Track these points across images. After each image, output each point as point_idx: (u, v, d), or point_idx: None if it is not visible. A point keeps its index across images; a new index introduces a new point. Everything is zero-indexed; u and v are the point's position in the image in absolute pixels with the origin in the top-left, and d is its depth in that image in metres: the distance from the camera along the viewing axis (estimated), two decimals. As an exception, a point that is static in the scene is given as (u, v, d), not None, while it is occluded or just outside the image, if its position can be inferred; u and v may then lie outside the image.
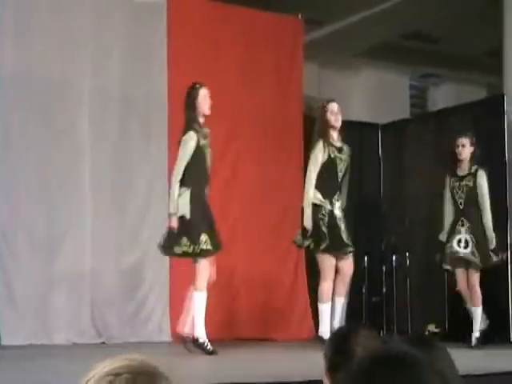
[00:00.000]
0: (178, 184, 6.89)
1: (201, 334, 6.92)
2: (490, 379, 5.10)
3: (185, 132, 6.99)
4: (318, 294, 7.49)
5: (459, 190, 8.45)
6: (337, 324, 7.37)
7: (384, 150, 11.05)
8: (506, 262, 8.91)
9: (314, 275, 10.00)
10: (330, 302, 7.50)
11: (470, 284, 8.34)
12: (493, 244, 8.26)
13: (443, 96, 13.84)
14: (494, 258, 8.28)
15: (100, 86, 8.48)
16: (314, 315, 9.29)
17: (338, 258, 7.51)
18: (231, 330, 8.81)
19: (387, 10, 11.01)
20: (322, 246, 7.37)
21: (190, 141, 6.92)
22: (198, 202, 6.92)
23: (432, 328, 9.94)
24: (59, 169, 8.23)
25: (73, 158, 8.32)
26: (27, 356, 6.91)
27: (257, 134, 9.33)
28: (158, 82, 8.76)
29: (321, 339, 7.03)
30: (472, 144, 8.48)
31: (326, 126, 7.63)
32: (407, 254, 10.23)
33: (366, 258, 10.03)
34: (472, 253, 8.24)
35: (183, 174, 6.90)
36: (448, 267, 8.54)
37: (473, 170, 8.45)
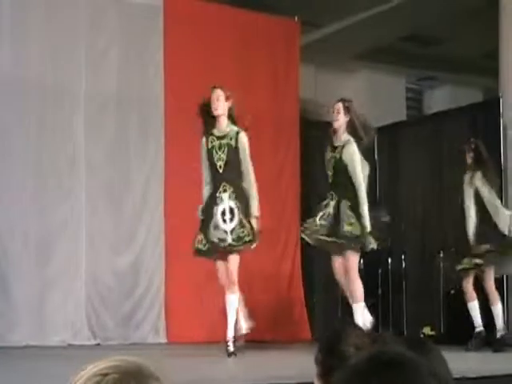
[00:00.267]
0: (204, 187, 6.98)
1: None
2: (484, 382, 5.10)
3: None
4: (361, 293, 7.36)
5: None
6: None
7: (380, 153, 11.05)
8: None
9: (309, 276, 10.01)
10: None
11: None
12: None
13: (439, 99, 13.84)
14: None
15: (96, 87, 8.49)
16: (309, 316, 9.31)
17: None
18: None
19: (384, 13, 11.02)
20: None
21: (201, 145, 6.96)
22: (208, 202, 6.90)
23: (427, 331, 9.94)
24: (55, 169, 8.23)
25: (68, 159, 8.32)
26: (22, 357, 6.89)
27: (253, 135, 9.31)
28: (154, 83, 8.77)
29: None
30: None
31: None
32: (403, 256, 10.24)
33: (361, 261, 10.01)
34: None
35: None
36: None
37: None
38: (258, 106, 9.37)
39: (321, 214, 7.24)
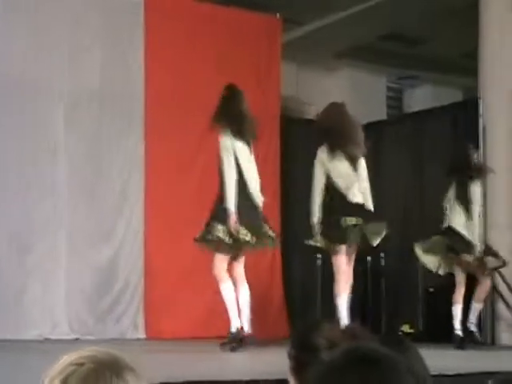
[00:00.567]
0: None
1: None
2: (461, 380, 5.14)
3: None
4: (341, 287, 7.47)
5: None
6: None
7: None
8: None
9: (289, 274, 10.03)
10: None
11: None
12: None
13: (419, 98, 13.89)
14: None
15: (77, 82, 8.47)
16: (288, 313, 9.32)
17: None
18: (208, 328, 8.79)
19: (365, 12, 11.04)
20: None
21: None
22: None
23: (406, 328, 9.98)
24: (35, 164, 8.20)
25: (48, 154, 8.29)
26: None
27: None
28: (135, 78, 8.75)
29: None
30: None
31: None
32: (382, 254, 10.27)
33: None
34: None
35: None
36: None
37: None
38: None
39: None
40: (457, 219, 8.50)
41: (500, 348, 9.04)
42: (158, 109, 8.77)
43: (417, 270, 9.98)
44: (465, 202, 8.49)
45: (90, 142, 8.50)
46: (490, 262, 8.49)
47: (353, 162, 7.28)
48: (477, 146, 9.51)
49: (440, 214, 10.28)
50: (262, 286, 9.34)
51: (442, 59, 12.91)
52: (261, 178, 9.44)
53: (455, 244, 8.44)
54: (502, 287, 9.30)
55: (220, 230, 6.89)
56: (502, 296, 9.38)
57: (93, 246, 8.46)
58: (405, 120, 12.08)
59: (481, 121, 9.86)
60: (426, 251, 8.51)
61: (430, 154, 10.74)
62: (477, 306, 8.54)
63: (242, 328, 6.90)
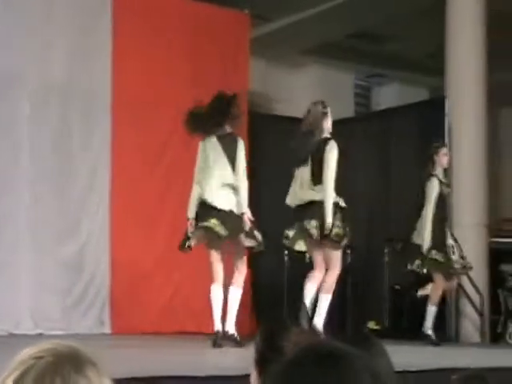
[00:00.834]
0: None
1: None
2: (426, 375, 5.18)
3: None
4: (331, 284, 7.44)
5: (447, 196, 8.57)
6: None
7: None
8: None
9: (257, 272, 10.03)
10: None
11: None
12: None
13: (387, 96, 13.98)
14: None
15: (42, 75, 8.40)
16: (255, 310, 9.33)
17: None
18: (172, 323, 8.79)
19: (334, 9, 11.08)
20: (345, 241, 7.39)
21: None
22: None
23: (372, 325, 10.04)
24: None
25: (12, 147, 8.22)
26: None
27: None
28: (101, 72, 8.70)
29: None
30: None
31: (329, 129, 7.64)
32: (348, 251, 10.31)
33: (307, 255, 10.07)
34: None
35: None
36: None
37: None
38: (207, 99, 9.35)
39: None
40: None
41: (463, 345, 9.13)
42: (124, 104, 8.73)
43: (383, 268, 10.05)
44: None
45: (55, 138, 8.44)
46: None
47: None
48: (443, 144, 9.58)
49: (406, 211, 10.36)
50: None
51: (409, 58, 13.00)
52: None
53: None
54: (468, 287, 9.40)
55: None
56: (468, 297, 9.47)
57: (58, 240, 8.41)
58: (372, 118, 12.15)
59: (447, 119, 9.94)
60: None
61: (397, 151, 10.81)
62: (433, 309, 8.53)
63: (222, 331, 6.92)
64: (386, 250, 9.96)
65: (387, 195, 10.77)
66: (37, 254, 8.22)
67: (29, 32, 8.34)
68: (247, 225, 6.93)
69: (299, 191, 7.43)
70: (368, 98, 14.26)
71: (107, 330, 8.48)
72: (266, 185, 10.03)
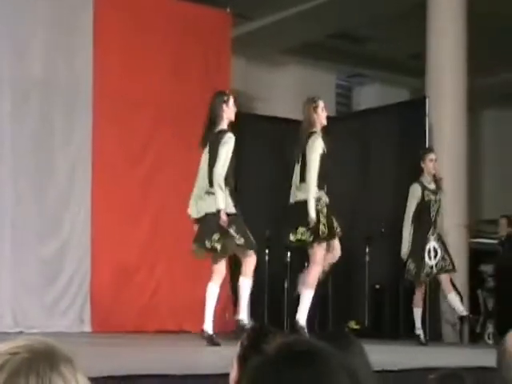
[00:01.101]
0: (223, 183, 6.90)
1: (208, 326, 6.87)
2: (405, 375, 5.20)
3: (223, 134, 6.91)
4: (313, 280, 7.41)
5: (435, 203, 8.52)
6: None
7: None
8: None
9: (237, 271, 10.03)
10: None
11: None
12: None
13: (368, 96, 14.02)
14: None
15: (22, 70, 8.34)
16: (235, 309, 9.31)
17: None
18: (153, 321, 8.78)
19: (315, 9, 11.10)
20: (323, 236, 7.38)
21: (233, 140, 6.94)
22: (234, 197, 7.01)
23: (352, 324, 10.06)
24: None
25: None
26: None
27: (183, 126, 9.30)
28: (83, 69, 8.66)
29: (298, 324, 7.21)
30: None
31: (317, 123, 7.65)
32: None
33: (288, 254, 10.10)
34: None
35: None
36: None
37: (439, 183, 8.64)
38: (189, 97, 9.36)
39: None
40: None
41: (443, 344, 9.17)
42: (106, 101, 8.71)
43: (363, 267, 10.07)
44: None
45: (36, 135, 8.39)
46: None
47: None
48: (424, 145, 9.62)
49: (385, 210, 10.41)
50: (208, 281, 9.33)
51: (390, 59, 13.05)
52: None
53: None
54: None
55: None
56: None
57: (39, 238, 8.37)
58: (353, 117, 12.17)
59: (427, 120, 9.98)
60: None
61: (377, 151, 10.85)
62: (419, 311, 8.55)
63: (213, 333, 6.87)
64: (366, 250, 9.98)
65: (367, 194, 10.80)
66: (17, 251, 8.18)
67: (9, 28, 8.30)
68: (223, 222, 6.83)
69: (292, 190, 7.53)
70: (349, 98, 14.31)
71: (87, 328, 8.45)
72: (248, 183, 10.03)
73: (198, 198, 7.05)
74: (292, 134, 11.24)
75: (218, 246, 6.82)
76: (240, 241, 6.87)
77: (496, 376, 2.19)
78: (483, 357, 5.95)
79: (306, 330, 7.20)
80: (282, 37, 11.91)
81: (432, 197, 8.50)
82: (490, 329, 10.74)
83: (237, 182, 7.27)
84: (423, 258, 8.35)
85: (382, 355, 5.63)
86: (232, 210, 6.92)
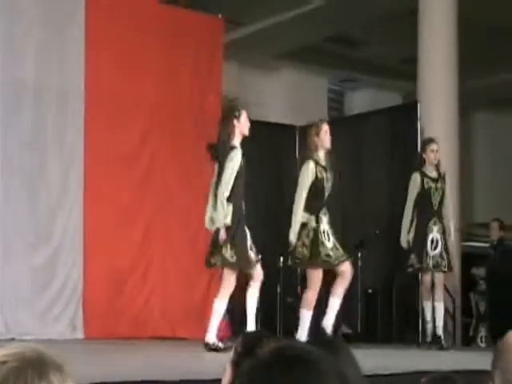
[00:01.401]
0: (226, 198, 6.96)
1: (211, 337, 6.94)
2: (395, 379, 5.21)
3: (229, 149, 6.96)
4: (309, 301, 7.62)
5: (435, 191, 8.55)
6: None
7: (301, 152, 11.12)
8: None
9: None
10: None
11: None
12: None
13: (360, 101, 14.05)
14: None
15: (14, 71, 8.30)
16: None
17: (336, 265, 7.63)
18: (145, 328, 8.77)
19: (308, 14, 11.13)
20: (323, 259, 7.50)
21: (238, 157, 7.00)
22: (237, 214, 7.01)
23: (345, 329, 10.07)
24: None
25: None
26: None
27: (175, 131, 9.31)
28: (75, 68, 8.63)
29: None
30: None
31: (318, 146, 7.72)
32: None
33: (281, 259, 10.10)
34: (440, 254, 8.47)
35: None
36: None
37: (442, 173, 8.65)
38: (181, 102, 9.37)
39: None
40: None
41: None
42: (98, 103, 8.69)
43: (356, 272, 10.07)
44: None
45: (28, 137, 8.35)
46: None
47: None
48: (416, 149, 9.65)
49: (378, 214, 10.42)
50: (202, 286, 9.35)
51: (382, 64, 13.08)
52: (201, 180, 9.47)
53: None
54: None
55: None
56: (444, 305, 9.53)
57: (31, 244, 8.34)
58: (345, 122, 12.18)
59: (419, 124, 10.01)
60: None
61: (370, 155, 10.87)
62: (428, 303, 8.55)
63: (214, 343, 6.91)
64: (359, 254, 10.00)
65: (359, 198, 10.83)
66: (9, 257, 8.16)
67: (0, 29, 8.28)
68: (221, 240, 6.95)
69: None
70: (341, 103, 14.33)
71: (80, 334, 8.43)
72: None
73: (211, 210, 7.11)
74: (284, 138, 11.32)
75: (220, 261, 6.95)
76: (232, 259, 6.98)
77: (489, 378, 2.20)
78: (475, 360, 5.98)
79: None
80: (273, 42, 11.94)
81: (432, 184, 8.53)
82: (483, 332, 10.77)
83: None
84: (425, 246, 8.36)
85: (375, 359, 5.65)
86: (232, 223, 7.00)
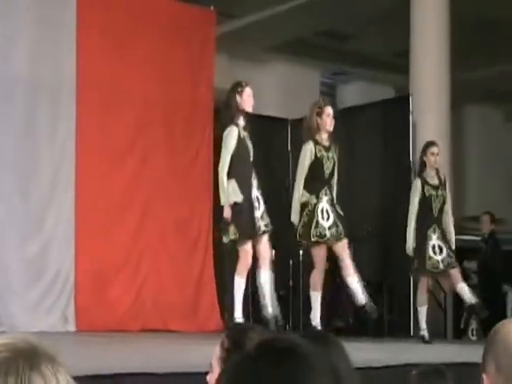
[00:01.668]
0: (225, 176, 7.06)
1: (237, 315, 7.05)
2: (387, 371, 5.22)
3: (224, 127, 7.03)
4: (314, 283, 7.72)
5: (436, 198, 8.49)
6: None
7: (293, 146, 11.14)
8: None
9: (223, 268, 10.05)
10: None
11: None
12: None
13: (352, 94, 14.04)
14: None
15: (5, 67, 8.29)
16: (221, 307, 9.34)
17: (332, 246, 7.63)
18: (137, 320, 8.77)
19: (300, 7, 11.12)
20: (314, 239, 7.50)
21: (233, 134, 7.10)
22: (243, 190, 7.14)
23: (337, 322, 10.08)
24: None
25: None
26: None
27: (167, 124, 9.30)
28: (66, 65, 8.62)
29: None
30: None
31: (319, 128, 7.72)
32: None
33: (273, 252, 10.09)
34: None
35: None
36: None
37: (443, 179, 8.60)
38: (173, 95, 9.36)
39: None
40: None
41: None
42: (90, 99, 8.67)
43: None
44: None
45: (19, 133, 8.33)
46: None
47: None
48: (408, 142, 9.66)
49: (370, 209, 10.42)
50: (193, 278, 9.36)
51: (375, 57, 13.08)
52: (193, 173, 9.48)
53: None
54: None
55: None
56: (432, 293, 9.55)
57: (22, 236, 8.32)
58: (337, 115, 12.15)
59: (411, 117, 10.02)
60: None
61: (362, 148, 10.87)
62: (424, 309, 8.56)
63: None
64: (351, 248, 9.99)
65: (351, 192, 10.82)
66: (0, 249, 8.14)
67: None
68: (225, 217, 7.07)
69: None
70: (333, 96, 14.32)
71: (72, 327, 8.42)
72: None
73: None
74: (276, 131, 11.30)
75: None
76: (236, 236, 7.06)
77: (480, 370, 2.20)
78: (467, 352, 6.00)
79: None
80: (265, 34, 11.93)
81: (433, 192, 8.45)
82: (474, 325, 10.79)
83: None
84: (426, 253, 8.36)
85: (366, 352, 5.66)
86: (238, 199, 7.06)
